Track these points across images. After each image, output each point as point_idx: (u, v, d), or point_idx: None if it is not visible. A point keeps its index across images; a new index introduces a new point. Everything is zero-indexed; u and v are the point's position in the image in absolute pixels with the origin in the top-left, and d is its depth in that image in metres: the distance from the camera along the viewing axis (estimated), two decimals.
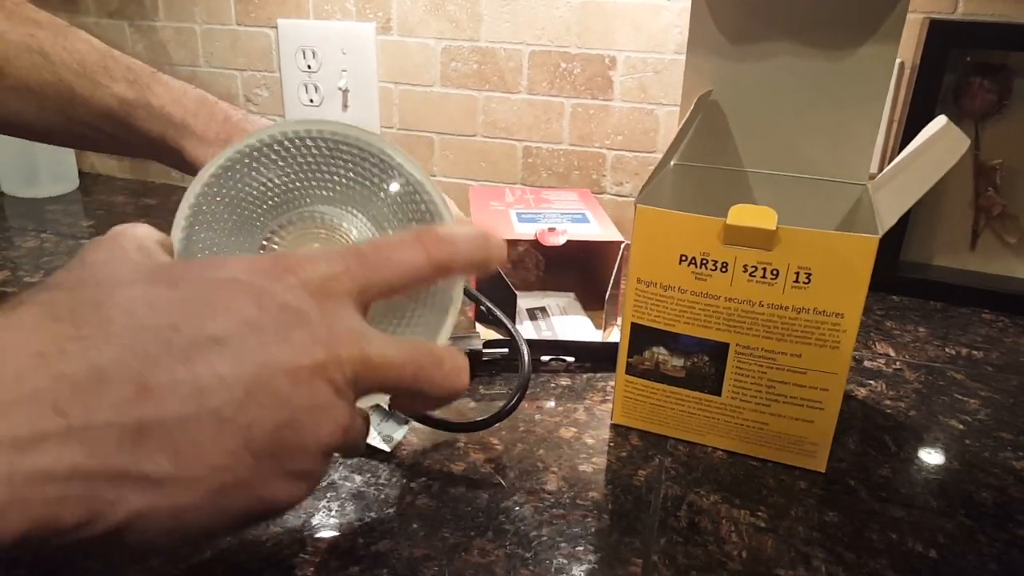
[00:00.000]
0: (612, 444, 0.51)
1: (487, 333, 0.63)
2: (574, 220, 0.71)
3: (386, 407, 0.49)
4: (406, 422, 0.51)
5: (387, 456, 0.48)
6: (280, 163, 0.35)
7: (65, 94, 0.46)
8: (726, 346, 0.48)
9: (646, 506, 0.45)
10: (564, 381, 0.59)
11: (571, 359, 0.61)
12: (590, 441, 0.51)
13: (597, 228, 0.69)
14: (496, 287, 0.63)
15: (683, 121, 0.55)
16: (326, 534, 0.42)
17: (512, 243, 0.69)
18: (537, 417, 0.54)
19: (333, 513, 0.43)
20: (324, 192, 0.36)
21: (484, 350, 0.59)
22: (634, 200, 0.48)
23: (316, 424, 0.26)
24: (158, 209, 0.99)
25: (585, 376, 0.60)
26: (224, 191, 0.35)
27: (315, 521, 0.43)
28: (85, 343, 0.23)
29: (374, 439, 0.49)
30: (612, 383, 0.59)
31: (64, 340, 0.23)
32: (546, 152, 0.94)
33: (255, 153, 0.35)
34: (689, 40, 0.59)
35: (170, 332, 0.24)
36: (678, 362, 0.50)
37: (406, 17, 0.93)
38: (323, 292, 0.28)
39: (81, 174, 1.08)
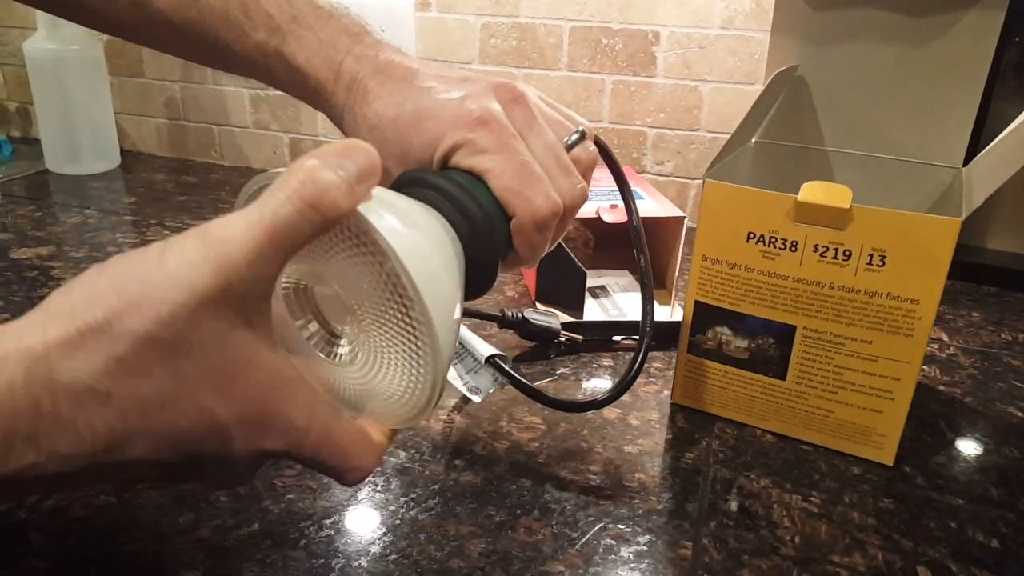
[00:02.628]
0: (658, 426, 0.50)
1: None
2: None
3: (482, 360, 0.50)
4: (496, 379, 0.50)
5: (430, 432, 0.48)
6: None
7: (210, 36, 0.43)
8: (793, 329, 0.47)
9: (694, 489, 0.44)
10: (606, 361, 0.58)
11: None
12: (635, 422, 0.51)
13: (654, 205, 0.68)
14: (562, 267, 0.62)
15: (760, 97, 0.53)
16: (371, 508, 0.41)
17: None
18: (579, 397, 0.53)
19: (378, 488, 0.43)
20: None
21: (563, 331, 0.59)
22: (703, 175, 0.46)
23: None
24: (198, 187, 1.00)
25: (628, 356, 0.59)
26: None
27: (361, 495, 0.42)
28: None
29: (461, 389, 0.49)
30: (658, 364, 0.58)
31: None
32: None
33: None
34: (775, 14, 0.57)
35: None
36: (742, 343, 0.49)
37: None
38: (267, 456, 0.28)
39: (123, 151, 1.09)
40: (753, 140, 0.57)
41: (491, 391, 0.50)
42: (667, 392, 0.54)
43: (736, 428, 0.50)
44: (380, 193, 0.29)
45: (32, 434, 0.23)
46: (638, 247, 0.45)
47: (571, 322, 0.60)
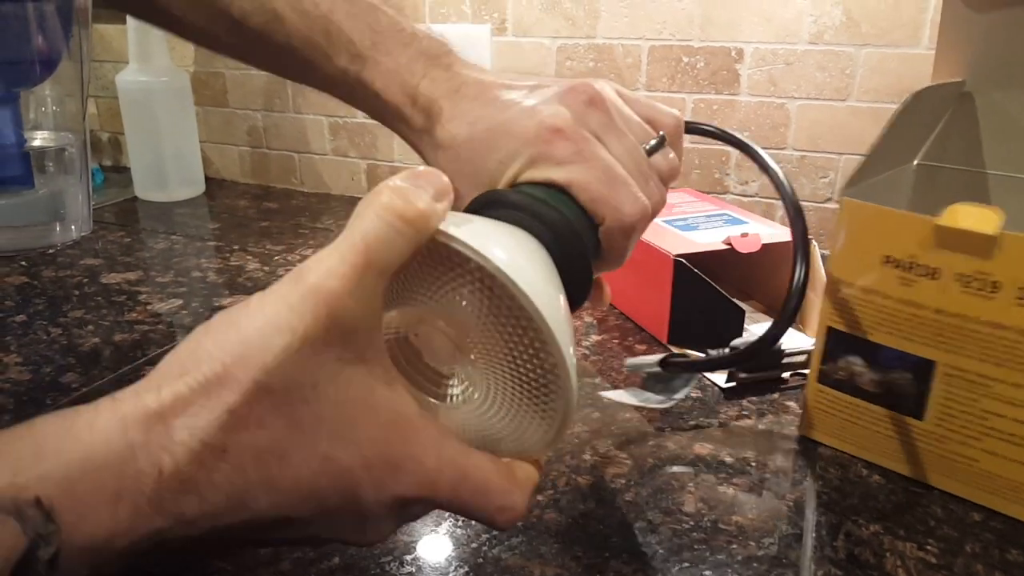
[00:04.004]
0: (754, 463, 0.47)
1: None
2: (729, 223, 0.67)
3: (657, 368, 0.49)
4: (686, 382, 0.50)
5: None
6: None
7: (298, 57, 0.43)
8: (931, 364, 0.43)
9: (797, 535, 0.41)
10: (695, 393, 0.55)
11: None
12: (728, 459, 0.48)
13: (767, 229, 0.65)
14: (707, 304, 0.58)
15: (898, 115, 0.49)
16: (453, 545, 0.40)
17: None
18: (668, 432, 0.51)
19: (459, 524, 0.41)
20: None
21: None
22: (840, 194, 0.43)
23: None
24: (279, 213, 1.01)
25: (718, 389, 0.56)
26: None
27: (441, 530, 0.41)
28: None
29: (650, 402, 0.49)
30: (751, 396, 0.55)
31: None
32: None
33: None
34: (941, 26, 0.53)
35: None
36: (875, 376, 0.45)
37: (521, 17, 0.91)
38: (402, 507, 0.27)
39: (207, 179, 1.11)
40: (915, 162, 0.52)
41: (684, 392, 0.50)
42: (762, 427, 0.51)
43: (840, 468, 0.47)
44: (463, 218, 0.28)
45: (156, 498, 0.22)
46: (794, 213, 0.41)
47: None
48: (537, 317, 0.26)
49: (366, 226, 0.24)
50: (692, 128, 0.44)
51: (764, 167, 0.43)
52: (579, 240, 0.34)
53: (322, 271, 0.24)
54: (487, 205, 0.34)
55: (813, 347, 0.48)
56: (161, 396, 0.23)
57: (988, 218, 0.39)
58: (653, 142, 0.39)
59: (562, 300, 0.29)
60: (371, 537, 0.27)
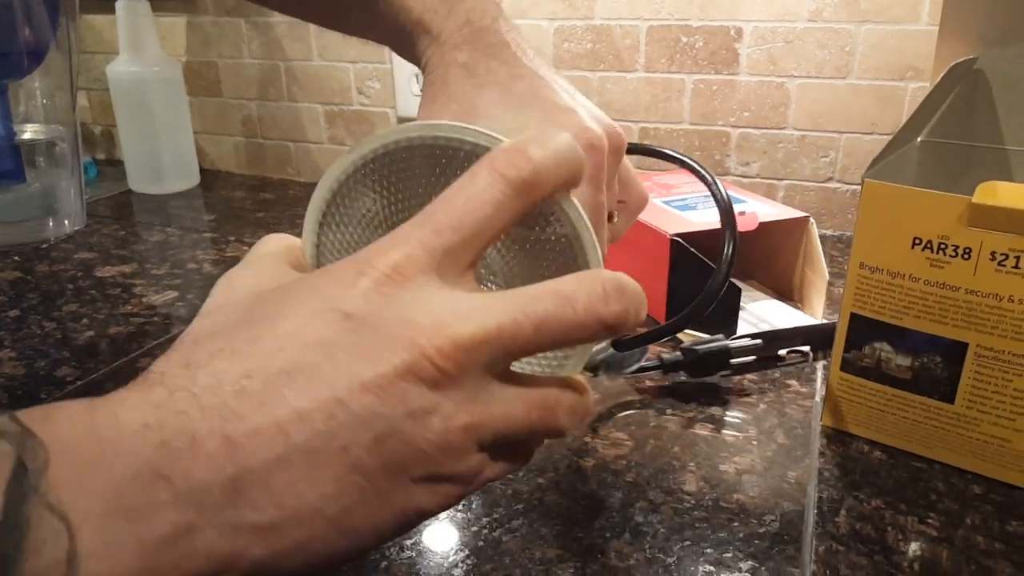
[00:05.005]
0: (755, 442, 0.47)
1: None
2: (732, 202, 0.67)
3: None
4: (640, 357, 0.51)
5: None
6: (407, 171, 0.31)
7: None
8: (964, 346, 0.42)
9: (799, 511, 0.41)
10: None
11: (807, 349, 0.56)
12: (728, 439, 0.47)
13: (767, 208, 0.65)
14: (703, 283, 0.58)
15: (931, 92, 0.48)
16: (454, 529, 0.39)
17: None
18: (669, 412, 0.50)
19: (460, 507, 0.41)
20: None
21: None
22: (863, 176, 0.42)
23: (420, 428, 0.24)
24: (276, 204, 1.01)
25: (792, 368, 0.55)
26: (355, 192, 0.31)
27: (441, 515, 0.40)
28: (177, 409, 0.23)
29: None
30: (751, 376, 0.54)
31: (161, 408, 0.23)
32: (664, 132, 0.89)
33: (384, 158, 0.31)
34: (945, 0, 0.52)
35: (244, 380, 0.23)
36: (904, 361, 0.44)
37: None
38: (396, 282, 0.24)
39: (202, 170, 1.11)
40: (919, 139, 0.52)
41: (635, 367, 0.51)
42: (763, 406, 0.51)
43: (841, 445, 0.47)
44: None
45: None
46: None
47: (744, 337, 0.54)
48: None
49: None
50: (633, 149, 0.46)
51: (702, 179, 0.46)
52: None
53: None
54: None
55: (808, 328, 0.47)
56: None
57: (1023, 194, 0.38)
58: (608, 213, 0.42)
59: None
60: (455, 468, 0.25)
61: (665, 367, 0.53)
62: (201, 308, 0.27)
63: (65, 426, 0.22)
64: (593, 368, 0.51)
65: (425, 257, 0.25)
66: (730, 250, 0.45)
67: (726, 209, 0.45)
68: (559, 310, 0.24)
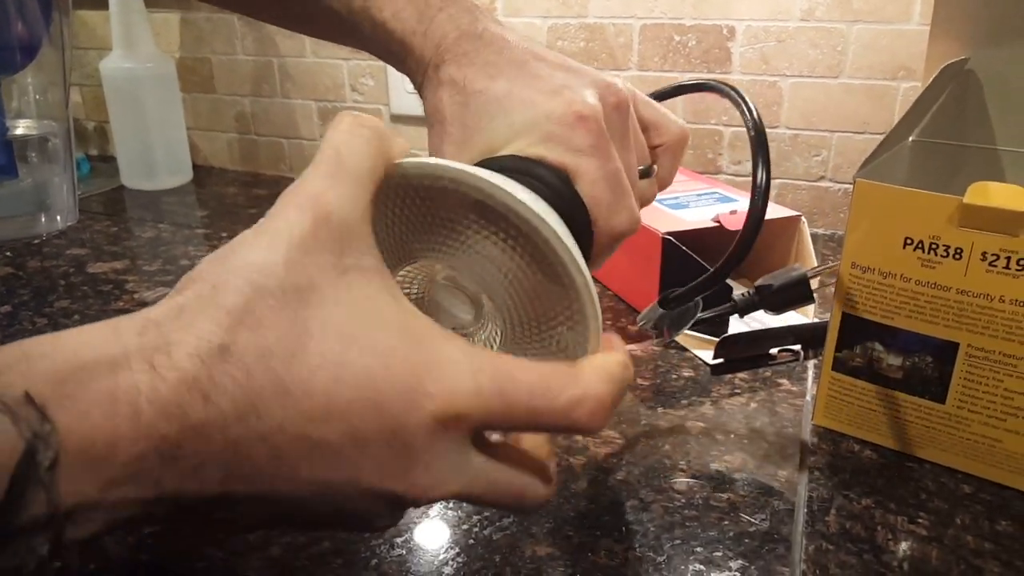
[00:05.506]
0: (746, 441, 0.47)
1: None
2: (720, 201, 0.67)
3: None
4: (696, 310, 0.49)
5: None
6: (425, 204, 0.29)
7: None
8: (955, 346, 0.42)
9: (789, 510, 0.41)
10: (686, 372, 0.55)
11: (797, 347, 0.55)
12: (719, 437, 0.47)
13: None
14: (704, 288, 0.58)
15: (923, 92, 0.49)
16: (444, 526, 0.39)
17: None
18: (660, 411, 0.50)
19: (449, 505, 0.41)
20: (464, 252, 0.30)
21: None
22: (854, 176, 0.43)
23: (389, 520, 0.28)
24: (268, 200, 1.00)
25: (708, 367, 0.56)
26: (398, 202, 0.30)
27: (433, 512, 0.40)
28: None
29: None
30: (742, 375, 0.54)
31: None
32: None
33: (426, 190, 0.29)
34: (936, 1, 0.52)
35: (276, 435, 0.23)
36: (895, 361, 0.44)
37: None
38: (446, 429, 0.24)
39: (195, 166, 1.10)
40: (911, 139, 0.52)
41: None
42: (754, 405, 0.51)
43: (831, 443, 0.47)
44: (475, 168, 0.28)
45: (155, 397, 0.21)
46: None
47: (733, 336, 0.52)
48: (572, 265, 0.27)
49: (330, 137, 0.27)
50: (659, 96, 0.44)
51: (732, 100, 0.43)
52: (587, 218, 0.33)
53: (301, 181, 0.26)
54: (491, 164, 0.33)
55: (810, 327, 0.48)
56: (157, 309, 0.23)
57: (1015, 194, 0.38)
58: (643, 167, 0.39)
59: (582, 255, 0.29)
60: (423, 481, 0.25)
61: (740, 309, 0.48)
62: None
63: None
64: (656, 327, 0.50)
65: (478, 425, 0.25)
66: (764, 175, 0.42)
67: (758, 130, 0.42)
68: (538, 401, 0.26)
